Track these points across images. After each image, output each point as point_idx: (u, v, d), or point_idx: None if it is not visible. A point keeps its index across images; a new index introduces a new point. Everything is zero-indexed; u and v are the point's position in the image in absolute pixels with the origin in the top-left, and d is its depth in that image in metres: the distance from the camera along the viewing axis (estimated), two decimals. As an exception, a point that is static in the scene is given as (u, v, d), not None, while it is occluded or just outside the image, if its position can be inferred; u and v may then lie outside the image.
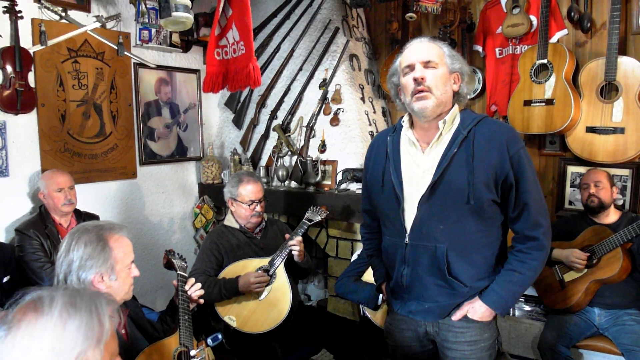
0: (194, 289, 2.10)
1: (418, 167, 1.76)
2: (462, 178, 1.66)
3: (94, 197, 3.55)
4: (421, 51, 1.71)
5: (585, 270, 2.72)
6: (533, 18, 3.22)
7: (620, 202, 3.04)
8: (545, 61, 3.04)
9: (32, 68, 3.09)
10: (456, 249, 1.71)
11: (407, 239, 1.78)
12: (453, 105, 1.76)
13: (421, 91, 1.67)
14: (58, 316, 1.02)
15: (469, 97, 3.59)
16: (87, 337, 1.03)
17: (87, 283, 1.62)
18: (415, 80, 1.68)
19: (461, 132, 1.70)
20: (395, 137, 1.87)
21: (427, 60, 1.68)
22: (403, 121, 1.84)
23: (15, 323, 1.01)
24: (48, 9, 3.02)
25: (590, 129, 2.97)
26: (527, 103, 3.12)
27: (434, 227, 1.71)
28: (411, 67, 1.70)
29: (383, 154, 1.88)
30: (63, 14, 3.06)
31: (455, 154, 1.68)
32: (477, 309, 1.76)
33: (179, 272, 2.17)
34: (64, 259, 1.64)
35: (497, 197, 1.69)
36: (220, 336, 2.21)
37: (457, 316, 1.79)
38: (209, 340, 2.08)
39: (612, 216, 2.79)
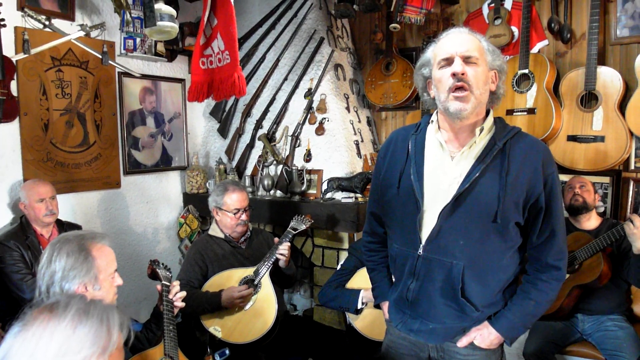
0: (178, 296, 2.08)
1: (445, 175, 1.61)
2: (492, 193, 1.52)
3: (77, 207, 3.51)
4: (462, 43, 1.52)
5: (568, 275, 2.76)
6: (514, 29, 3.27)
7: (601, 210, 3.08)
8: (526, 71, 3.09)
9: (15, 77, 3.05)
10: (473, 269, 1.57)
11: (420, 251, 1.63)
12: (487, 110, 1.62)
13: (461, 88, 1.49)
14: (70, 320, 1.08)
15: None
16: (94, 344, 1.07)
17: (70, 293, 1.60)
18: (454, 75, 1.49)
19: (496, 144, 1.56)
20: (419, 137, 1.69)
21: (467, 56, 1.50)
22: (432, 121, 1.68)
23: (31, 321, 1.07)
24: (32, 17, 2.99)
25: (571, 138, 3.02)
26: (510, 112, 3.17)
27: (454, 241, 1.57)
28: (449, 61, 1.52)
29: (403, 153, 1.70)
30: (47, 23, 3.03)
31: (488, 165, 1.54)
32: (486, 336, 1.64)
33: (163, 282, 2.15)
34: (46, 270, 1.62)
35: (522, 219, 1.57)
36: (227, 352, 2.19)
37: (463, 342, 1.66)
38: (217, 356, 2.07)
39: (593, 221, 2.83)
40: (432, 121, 1.68)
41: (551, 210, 1.57)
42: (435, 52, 1.59)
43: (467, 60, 1.50)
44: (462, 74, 1.49)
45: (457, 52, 1.51)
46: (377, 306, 1.99)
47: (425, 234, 1.62)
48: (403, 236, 1.70)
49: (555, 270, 1.61)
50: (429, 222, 1.61)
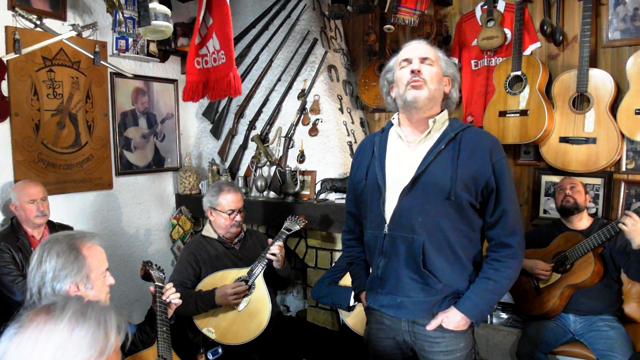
0: (173, 297, 2.07)
1: (404, 162, 1.82)
2: (445, 174, 1.72)
3: (68, 208, 3.48)
4: (420, 49, 1.80)
5: (559, 275, 2.77)
6: (507, 31, 3.30)
7: (593, 210, 3.11)
8: (519, 73, 3.11)
9: (6, 77, 3.03)
10: (433, 243, 1.74)
11: (385, 230, 1.81)
12: (442, 110, 1.84)
13: (417, 81, 1.74)
14: (67, 322, 1.05)
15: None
16: (91, 347, 1.05)
17: (63, 293, 1.58)
18: (412, 72, 1.75)
19: (449, 134, 1.77)
20: (383, 137, 1.93)
21: (424, 57, 1.77)
22: (393, 119, 1.90)
23: (27, 323, 1.05)
24: (23, 17, 2.96)
25: (564, 139, 3.04)
26: (502, 114, 3.18)
27: (414, 218, 1.75)
28: (409, 61, 1.79)
29: (369, 152, 1.93)
30: (38, 22, 3.00)
31: (441, 150, 1.75)
32: (451, 318, 1.77)
33: (156, 283, 2.14)
34: (37, 272, 1.60)
35: (476, 201, 1.75)
36: (220, 350, 2.19)
37: (431, 326, 1.80)
38: (209, 354, 2.06)
39: (584, 222, 2.86)
40: (394, 118, 1.90)
41: (501, 192, 1.74)
42: (397, 57, 1.86)
43: (423, 60, 1.77)
44: (419, 71, 1.75)
45: (416, 55, 1.79)
46: (357, 298, 2.12)
47: (388, 214, 1.81)
48: (373, 220, 1.89)
49: (508, 248, 1.76)
50: (391, 203, 1.81)
